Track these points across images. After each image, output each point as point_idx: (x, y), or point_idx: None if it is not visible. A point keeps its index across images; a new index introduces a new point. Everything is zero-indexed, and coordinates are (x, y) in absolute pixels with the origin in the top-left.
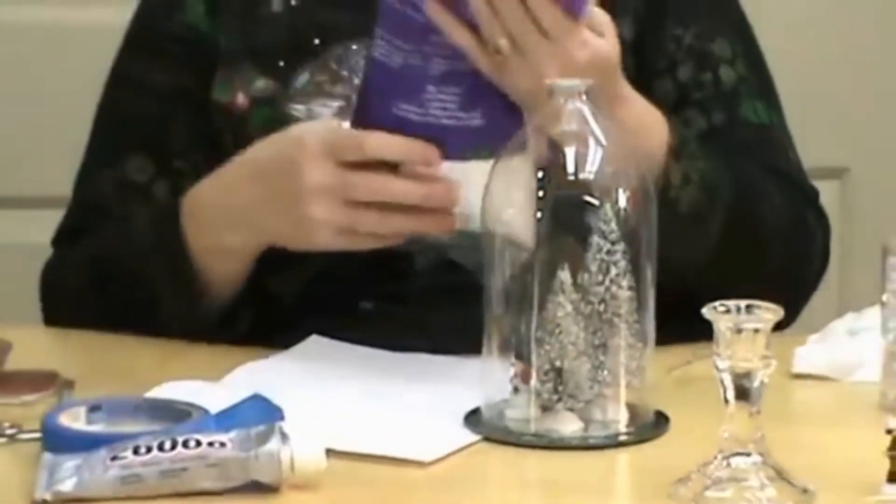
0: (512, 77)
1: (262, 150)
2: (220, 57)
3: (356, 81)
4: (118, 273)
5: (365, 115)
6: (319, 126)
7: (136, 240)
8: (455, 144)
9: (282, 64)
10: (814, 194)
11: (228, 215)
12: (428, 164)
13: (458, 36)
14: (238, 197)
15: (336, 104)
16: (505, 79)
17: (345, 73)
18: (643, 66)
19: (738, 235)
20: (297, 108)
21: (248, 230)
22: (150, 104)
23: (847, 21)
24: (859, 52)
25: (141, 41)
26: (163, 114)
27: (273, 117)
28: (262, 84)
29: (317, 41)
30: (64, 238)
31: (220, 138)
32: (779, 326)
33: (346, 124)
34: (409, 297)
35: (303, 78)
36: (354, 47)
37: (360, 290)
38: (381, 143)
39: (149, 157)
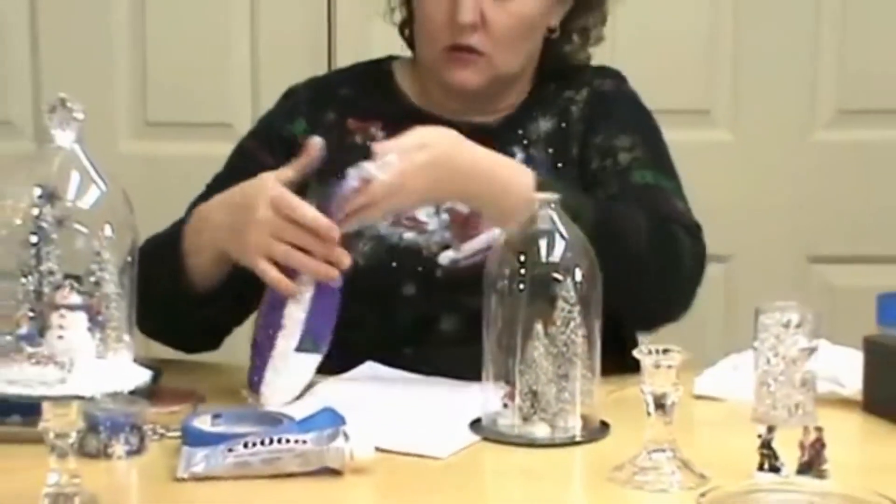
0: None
1: (237, 191)
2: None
3: None
4: (150, 256)
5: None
6: (274, 183)
7: (166, 234)
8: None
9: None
10: (689, 223)
11: (208, 224)
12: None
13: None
14: (215, 217)
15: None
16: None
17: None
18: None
19: (607, 249)
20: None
21: (215, 236)
22: (258, 172)
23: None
24: (748, 154)
25: (263, 132)
26: None
27: None
28: None
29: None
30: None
31: None
32: (672, 319)
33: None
34: (439, 345)
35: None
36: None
37: (404, 341)
38: (306, 214)
39: None
